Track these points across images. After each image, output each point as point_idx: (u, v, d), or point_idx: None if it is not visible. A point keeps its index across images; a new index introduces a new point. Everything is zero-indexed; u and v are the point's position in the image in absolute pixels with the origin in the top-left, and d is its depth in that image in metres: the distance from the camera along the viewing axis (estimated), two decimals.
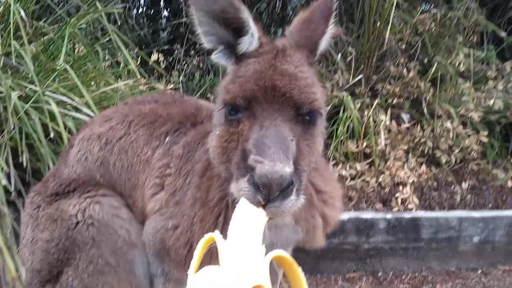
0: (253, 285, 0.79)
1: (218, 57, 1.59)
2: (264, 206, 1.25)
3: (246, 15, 1.49)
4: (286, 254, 0.90)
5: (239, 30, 1.53)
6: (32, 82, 2.93)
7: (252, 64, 1.49)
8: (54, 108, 2.74)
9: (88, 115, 2.98)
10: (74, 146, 2.15)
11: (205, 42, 1.56)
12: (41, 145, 2.77)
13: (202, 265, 0.86)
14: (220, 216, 1.69)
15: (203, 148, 1.88)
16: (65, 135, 2.70)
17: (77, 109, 3.05)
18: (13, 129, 2.78)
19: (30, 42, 3.40)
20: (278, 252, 0.90)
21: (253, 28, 1.52)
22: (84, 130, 2.21)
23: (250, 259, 0.84)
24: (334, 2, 1.56)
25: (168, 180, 1.92)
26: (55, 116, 2.79)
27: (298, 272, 0.89)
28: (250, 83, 1.42)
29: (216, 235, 0.90)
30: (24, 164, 2.76)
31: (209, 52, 1.63)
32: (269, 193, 1.23)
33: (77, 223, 1.93)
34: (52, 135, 2.80)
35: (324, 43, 1.61)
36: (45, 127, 2.82)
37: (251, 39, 1.53)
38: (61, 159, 2.27)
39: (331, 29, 1.58)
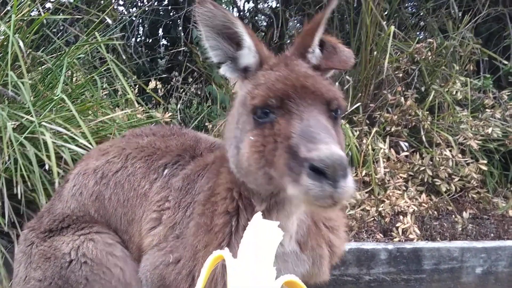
0: None
1: (224, 71, 1.63)
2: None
3: (241, 28, 1.52)
4: (297, 279, 0.85)
5: (239, 44, 1.57)
6: (28, 113, 2.91)
7: (269, 74, 1.50)
8: (49, 139, 2.70)
9: (84, 146, 2.94)
10: (70, 181, 2.11)
11: (212, 56, 1.61)
12: (35, 177, 2.72)
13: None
14: (224, 241, 1.64)
15: (203, 180, 1.84)
16: (55, 168, 2.64)
17: (74, 140, 3.01)
18: (8, 159, 2.74)
19: (28, 72, 3.39)
20: (289, 277, 0.85)
21: (248, 42, 1.55)
22: (80, 164, 2.17)
23: (261, 282, 0.79)
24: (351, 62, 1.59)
25: (166, 214, 1.86)
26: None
27: None
28: (279, 83, 1.43)
29: (225, 253, 0.85)
30: (19, 195, 2.71)
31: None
32: (334, 175, 1.21)
33: (71, 261, 1.88)
34: (47, 166, 2.76)
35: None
36: (40, 158, 2.79)
37: (248, 53, 1.56)
38: (56, 194, 2.23)
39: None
